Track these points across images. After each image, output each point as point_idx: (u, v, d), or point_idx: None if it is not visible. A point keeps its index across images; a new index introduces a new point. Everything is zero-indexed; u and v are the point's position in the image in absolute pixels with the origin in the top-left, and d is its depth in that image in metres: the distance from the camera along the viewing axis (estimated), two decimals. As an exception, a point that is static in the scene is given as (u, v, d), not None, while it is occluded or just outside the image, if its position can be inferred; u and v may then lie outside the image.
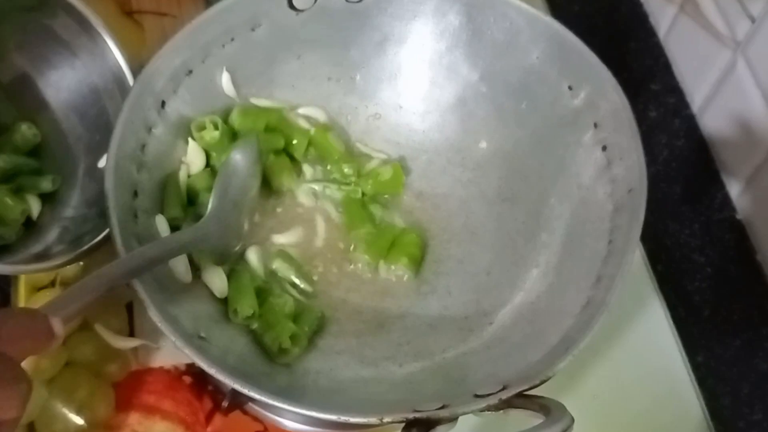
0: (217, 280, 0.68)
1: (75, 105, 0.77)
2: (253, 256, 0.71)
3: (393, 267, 0.73)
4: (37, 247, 0.71)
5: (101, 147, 0.71)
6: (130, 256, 0.60)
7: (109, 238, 0.62)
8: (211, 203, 0.67)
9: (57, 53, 0.75)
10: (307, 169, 0.76)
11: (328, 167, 0.76)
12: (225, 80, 0.73)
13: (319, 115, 0.78)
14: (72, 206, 0.75)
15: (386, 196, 0.76)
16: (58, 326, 0.49)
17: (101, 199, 0.63)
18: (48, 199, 0.75)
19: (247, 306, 0.66)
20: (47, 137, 0.77)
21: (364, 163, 0.77)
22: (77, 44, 0.74)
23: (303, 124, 0.76)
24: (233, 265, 0.70)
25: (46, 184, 0.75)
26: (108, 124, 0.74)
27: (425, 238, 0.75)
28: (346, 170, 0.75)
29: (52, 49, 0.75)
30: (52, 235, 0.72)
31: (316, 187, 0.75)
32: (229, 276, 0.68)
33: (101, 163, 0.74)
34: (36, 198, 0.74)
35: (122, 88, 0.74)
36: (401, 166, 0.76)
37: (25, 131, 0.76)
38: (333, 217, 0.75)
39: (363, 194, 0.75)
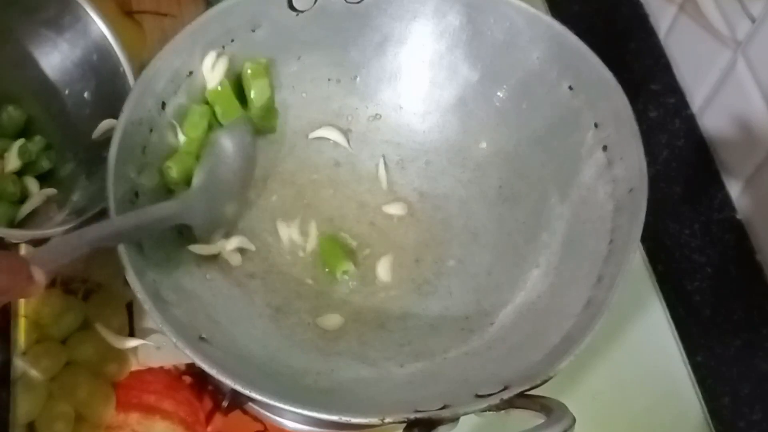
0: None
1: (61, 82, 0.78)
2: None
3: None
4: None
5: (92, 120, 0.73)
6: (114, 220, 0.62)
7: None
8: (195, 179, 0.69)
9: (40, 32, 0.76)
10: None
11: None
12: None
13: (336, 137, 0.78)
14: (77, 182, 0.76)
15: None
16: (39, 275, 0.52)
17: (100, 170, 0.65)
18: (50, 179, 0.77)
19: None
20: (37, 119, 0.78)
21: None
22: (59, 20, 0.75)
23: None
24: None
25: (45, 164, 0.76)
26: (95, 96, 0.76)
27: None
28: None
29: (34, 29, 0.75)
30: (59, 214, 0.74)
31: None
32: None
33: (95, 133, 0.74)
34: (33, 179, 0.76)
35: (107, 58, 0.74)
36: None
37: (12, 112, 0.76)
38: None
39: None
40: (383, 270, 0.73)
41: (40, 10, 0.74)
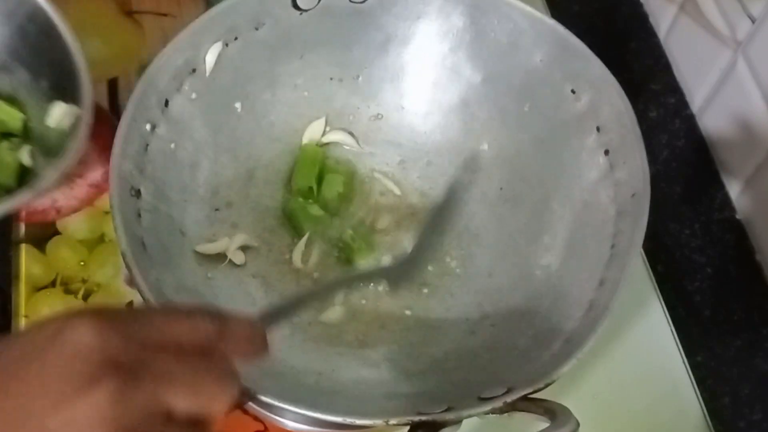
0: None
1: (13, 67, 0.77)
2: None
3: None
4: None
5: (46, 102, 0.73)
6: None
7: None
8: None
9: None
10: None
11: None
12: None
13: (347, 140, 0.79)
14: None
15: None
16: (269, 338, 0.50)
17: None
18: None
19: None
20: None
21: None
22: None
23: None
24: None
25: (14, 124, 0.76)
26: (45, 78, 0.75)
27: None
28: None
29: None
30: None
31: None
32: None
33: (49, 120, 0.74)
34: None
35: (51, 38, 0.73)
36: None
37: None
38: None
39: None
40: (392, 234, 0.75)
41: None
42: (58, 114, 0.73)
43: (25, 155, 0.74)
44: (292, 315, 0.59)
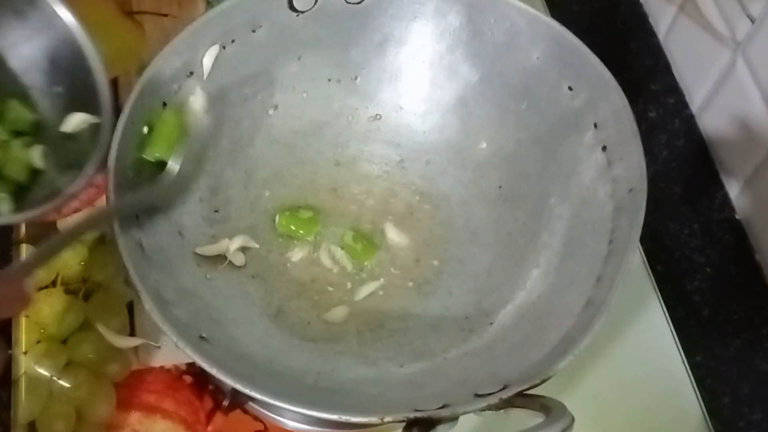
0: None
1: (28, 73, 0.75)
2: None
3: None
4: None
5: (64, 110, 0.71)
6: (88, 212, 0.65)
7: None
8: (180, 164, 0.70)
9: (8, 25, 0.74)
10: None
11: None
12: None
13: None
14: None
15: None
16: (29, 288, 0.53)
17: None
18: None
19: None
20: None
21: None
22: (25, 12, 0.73)
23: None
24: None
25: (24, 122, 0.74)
26: (66, 87, 0.73)
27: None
28: None
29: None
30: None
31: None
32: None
33: (64, 126, 0.72)
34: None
35: (74, 49, 0.73)
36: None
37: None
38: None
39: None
40: (392, 235, 0.75)
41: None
42: (75, 121, 0.73)
43: (36, 153, 0.74)
44: (48, 261, 0.60)
